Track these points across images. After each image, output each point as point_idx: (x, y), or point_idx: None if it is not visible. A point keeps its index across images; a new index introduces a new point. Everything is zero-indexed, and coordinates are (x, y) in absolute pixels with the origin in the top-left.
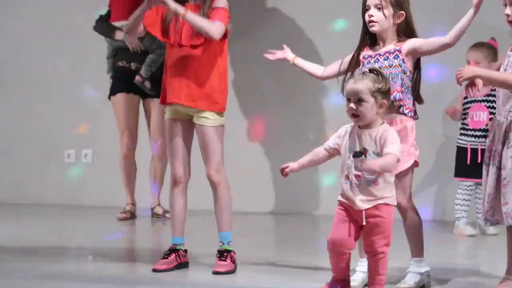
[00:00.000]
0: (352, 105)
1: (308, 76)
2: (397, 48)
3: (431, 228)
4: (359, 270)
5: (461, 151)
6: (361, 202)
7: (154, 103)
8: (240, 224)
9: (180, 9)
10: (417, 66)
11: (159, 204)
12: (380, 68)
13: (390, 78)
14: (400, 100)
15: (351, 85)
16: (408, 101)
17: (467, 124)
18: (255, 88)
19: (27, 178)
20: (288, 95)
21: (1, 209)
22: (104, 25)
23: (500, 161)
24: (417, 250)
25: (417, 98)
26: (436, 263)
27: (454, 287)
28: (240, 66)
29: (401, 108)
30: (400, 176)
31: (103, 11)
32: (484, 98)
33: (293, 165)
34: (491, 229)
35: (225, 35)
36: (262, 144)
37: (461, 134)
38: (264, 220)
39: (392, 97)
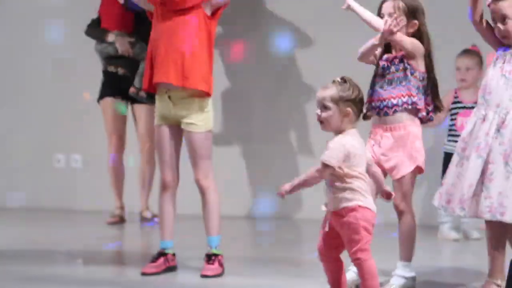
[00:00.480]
0: (317, 111)
1: (292, 81)
2: (402, 52)
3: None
4: (352, 270)
5: (448, 157)
6: (334, 204)
7: (142, 108)
8: (226, 228)
9: None
10: (427, 68)
11: (147, 208)
12: (390, 73)
13: (398, 82)
14: (413, 103)
15: (319, 91)
16: (420, 101)
17: (456, 130)
18: (237, 92)
19: (18, 182)
20: (270, 100)
21: None
22: (96, 30)
23: (488, 154)
24: (407, 254)
25: (436, 102)
26: (421, 267)
27: None
28: (224, 70)
29: (417, 111)
30: (400, 180)
31: (94, 16)
32: (474, 105)
33: (285, 186)
34: (475, 234)
35: (215, 14)
36: (240, 148)
37: (449, 140)
38: (250, 224)
39: (382, 103)
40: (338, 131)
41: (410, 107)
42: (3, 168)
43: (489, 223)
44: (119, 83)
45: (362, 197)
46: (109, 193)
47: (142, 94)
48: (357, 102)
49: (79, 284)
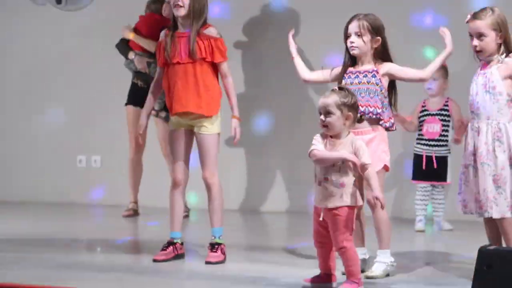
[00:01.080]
0: (322, 117)
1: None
2: (375, 68)
3: (392, 224)
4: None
5: (418, 158)
6: (328, 201)
7: (158, 119)
8: (228, 220)
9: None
10: (393, 85)
11: None
12: (360, 83)
13: (367, 93)
14: (377, 114)
15: (321, 100)
16: (385, 114)
17: (422, 135)
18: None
19: (46, 180)
20: (272, 101)
21: (24, 207)
22: (123, 46)
23: (495, 162)
24: (384, 242)
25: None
26: (398, 255)
27: (414, 274)
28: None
29: (380, 122)
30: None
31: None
32: (438, 112)
33: None
34: (447, 225)
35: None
36: (243, 147)
37: (417, 143)
38: (249, 216)
39: (365, 109)
40: (340, 134)
41: (374, 117)
42: (33, 168)
43: (488, 220)
44: (139, 93)
45: (356, 196)
46: (124, 189)
47: (162, 114)
48: (355, 107)
49: (99, 269)
